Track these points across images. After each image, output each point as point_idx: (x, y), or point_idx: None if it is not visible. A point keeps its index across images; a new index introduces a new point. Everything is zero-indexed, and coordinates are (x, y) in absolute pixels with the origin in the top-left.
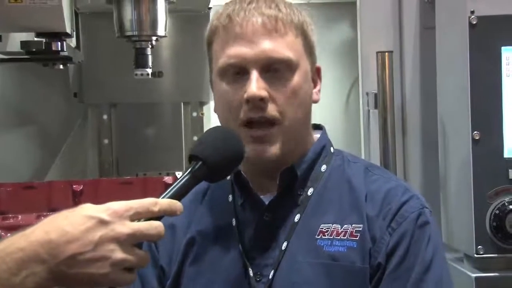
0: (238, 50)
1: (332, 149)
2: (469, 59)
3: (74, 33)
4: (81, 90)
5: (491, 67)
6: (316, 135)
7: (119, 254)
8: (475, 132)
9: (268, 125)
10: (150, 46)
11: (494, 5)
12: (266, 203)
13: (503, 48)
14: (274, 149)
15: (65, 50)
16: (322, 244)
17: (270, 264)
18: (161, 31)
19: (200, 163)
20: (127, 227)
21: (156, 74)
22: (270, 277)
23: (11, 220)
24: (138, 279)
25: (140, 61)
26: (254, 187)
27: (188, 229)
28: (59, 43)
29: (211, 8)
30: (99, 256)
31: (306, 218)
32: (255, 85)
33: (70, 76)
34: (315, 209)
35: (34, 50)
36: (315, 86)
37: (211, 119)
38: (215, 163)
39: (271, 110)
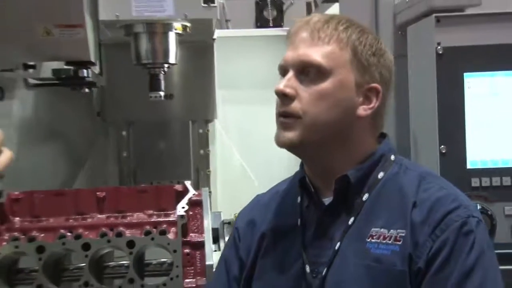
0: (286, 55)
1: (393, 157)
2: (437, 83)
3: (98, 61)
4: (103, 110)
5: (455, 90)
6: (379, 144)
7: None
8: (442, 146)
9: (291, 117)
10: (162, 72)
11: (458, 37)
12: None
13: (465, 74)
14: (290, 135)
15: (90, 76)
16: (370, 247)
17: (324, 262)
18: (172, 59)
19: None
20: None
21: (168, 96)
22: (323, 274)
23: (44, 223)
24: (223, 266)
25: (154, 85)
26: (318, 191)
27: (262, 225)
28: (85, 70)
29: (215, 39)
30: None
31: (359, 221)
32: (284, 83)
33: (94, 98)
34: (368, 214)
35: (63, 76)
36: (368, 103)
37: (216, 135)
38: None
39: (295, 106)
